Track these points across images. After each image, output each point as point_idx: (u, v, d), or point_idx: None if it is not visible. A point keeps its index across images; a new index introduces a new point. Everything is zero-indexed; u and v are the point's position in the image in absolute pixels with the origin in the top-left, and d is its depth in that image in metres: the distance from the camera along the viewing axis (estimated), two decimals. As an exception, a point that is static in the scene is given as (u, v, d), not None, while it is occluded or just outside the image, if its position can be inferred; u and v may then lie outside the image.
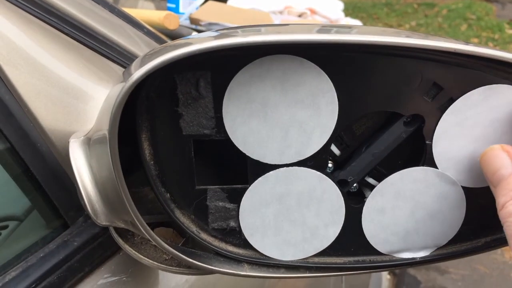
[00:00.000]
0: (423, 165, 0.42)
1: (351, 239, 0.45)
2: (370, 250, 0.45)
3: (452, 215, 0.44)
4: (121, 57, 0.64)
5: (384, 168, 0.44)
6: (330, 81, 0.38)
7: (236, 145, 0.40)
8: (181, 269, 0.45)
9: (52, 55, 0.54)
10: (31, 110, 0.49)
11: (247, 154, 0.40)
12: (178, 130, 0.40)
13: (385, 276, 1.99)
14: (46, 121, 0.50)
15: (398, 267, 0.46)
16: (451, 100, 0.39)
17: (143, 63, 0.34)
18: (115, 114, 0.35)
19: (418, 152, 0.42)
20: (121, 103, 0.34)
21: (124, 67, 0.62)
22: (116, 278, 0.53)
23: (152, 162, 0.41)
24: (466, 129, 0.40)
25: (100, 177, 0.43)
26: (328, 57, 0.38)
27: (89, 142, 0.45)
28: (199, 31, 2.21)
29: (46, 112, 0.50)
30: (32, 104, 0.49)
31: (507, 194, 0.36)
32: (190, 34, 1.92)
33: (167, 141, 0.40)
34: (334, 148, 0.43)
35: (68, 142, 0.46)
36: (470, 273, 2.56)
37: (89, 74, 0.56)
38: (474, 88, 0.39)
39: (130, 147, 0.43)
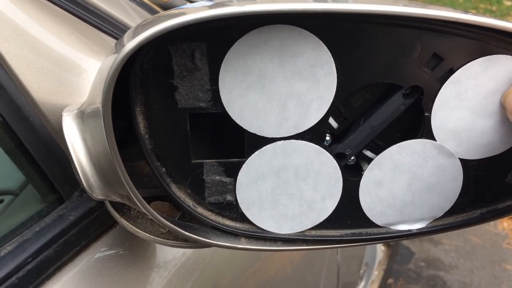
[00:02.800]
0: (421, 138, 0.41)
1: (348, 212, 0.45)
2: (367, 222, 0.45)
3: (448, 187, 0.44)
4: (114, 29, 0.63)
5: (382, 141, 0.43)
6: (328, 52, 0.37)
7: (233, 118, 0.39)
8: (178, 242, 0.45)
9: (43, 26, 0.52)
10: (22, 83, 0.48)
11: (244, 127, 0.40)
12: (173, 103, 0.39)
13: (380, 247, 2.01)
14: (38, 94, 0.49)
15: (394, 239, 0.46)
16: (451, 71, 0.39)
17: (136, 33, 0.33)
18: (108, 87, 0.34)
19: (416, 125, 0.42)
20: (114, 75, 0.33)
21: (117, 39, 0.61)
22: (113, 251, 0.53)
23: (147, 136, 0.40)
24: (465, 101, 0.40)
25: (94, 151, 0.42)
26: (327, 27, 0.37)
27: (83, 116, 0.44)
28: (192, 1, 2.17)
29: (38, 85, 0.49)
30: (23, 76, 0.48)
31: None
32: (183, 4, 1.88)
33: (162, 114, 0.40)
34: (332, 121, 0.43)
35: (61, 115, 0.45)
36: (463, 244, 2.60)
37: (81, 46, 0.54)
38: (474, 59, 0.38)
39: (124, 120, 0.42)
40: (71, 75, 0.51)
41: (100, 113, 0.36)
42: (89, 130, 0.43)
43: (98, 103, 0.36)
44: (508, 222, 2.73)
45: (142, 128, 0.40)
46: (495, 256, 2.50)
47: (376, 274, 2.07)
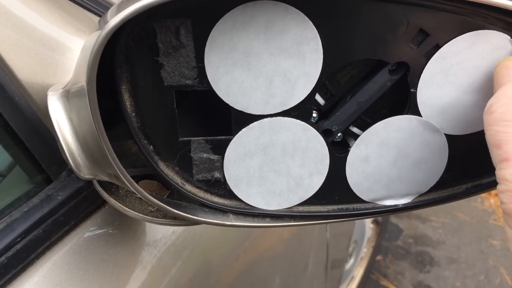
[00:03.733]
0: (407, 114, 0.42)
1: (335, 188, 0.45)
2: (354, 198, 0.46)
3: (434, 163, 0.44)
4: (99, 7, 0.61)
5: (369, 117, 0.43)
6: (314, 28, 0.37)
7: (219, 95, 0.39)
8: (167, 220, 0.46)
9: (26, 4, 0.51)
10: (6, 62, 0.48)
11: (230, 104, 0.40)
12: (159, 81, 0.39)
13: (369, 225, 2.04)
14: (22, 74, 0.48)
15: (381, 214, 0.47)
16: (437, 47, 0.39)
17: (119, 9, 0.32)
18: (92, 65, 0.33)
19: (402, 101, 0.42)
20: (98, 52, 0.33)
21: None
22: (102, 230, 0.53)
23: (133, 114, 0.40)
24: (451, 76, 0.40)
25: (81, 131, 0.42)
26: (313, 3, 0.37)
27: (68, 95, 0.43)
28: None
29: (22, 64, 0.49)
30: (7, 56, 0.48)
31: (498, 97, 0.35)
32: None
33: (148, 92, 0.40)
34: (318, 98, 0.43)
35: (46, 95, 0.44)
36: (450, 220, 2.65)
37: (65, 25, 0.53)
38: (460, 34, 0.38)
39: (110, 99, 0.42)
40: (55, 54, 0.50)
41: (85, 92, 0.36)
42: (75, 110, 0.42)
43: (83, 82, 0.36)
44: (495, 199, 2.77)
45: (129, 106, 0.40)
46: (482, 232, 2.55)
47: (365, 251, 2.10)
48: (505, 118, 0.33)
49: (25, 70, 0.48)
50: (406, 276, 2.32)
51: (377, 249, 2.17)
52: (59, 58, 0.50)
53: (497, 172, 0.33)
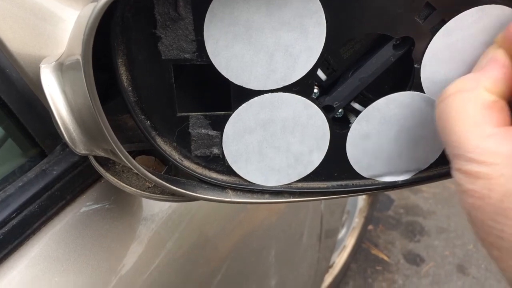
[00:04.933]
0: (410, 90, 0.41)
1: (335, 165, 0.45)
2: (353, 174, 0.46)
3: (435, 139, 0.44)
4: (91, -26, 0.59)
5: (371, 93, 0.43)
6: (318, 0, 0.36)
7: (219, 70, 0.38)
8: (164, 196, 0.45)
9: (14, -29, 0.49)
10: (-5, 33, 0.46)
11: (230, 79, 0.39)
12: (156, 54, 0.38)
13: (361, 196, 2.07)
14: (13, 45, 0.47)
15: (380, 190, 0.47)
16: (443, 22, 0.38)
17: (115, -21, 0.31)
18: (88, 37, 0.32)
19: (405, 77, 0.41)
20: (94, 24, 0.31)
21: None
22: (98, 205, 0.53)
23: (130, 88, 0.39)
24: (455, 52, 0.39)
25: (75, 105, 0.41)
26: None
27: (62, 68, 0.42)
28: None
29: (13, 35, 0.47)
30: (-4, 26, 0.46)
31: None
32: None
33: (145, 66, 0.38)
34: (320, 73, 0.42)
35: (39, 67, 0.43)
36: (441, 191, 2.68)
37: (57, -7, 0.51)
38: (467, 9, 0.37)
39: (106, 72, 0.40)
40: (47, 25, 0.48)
41: (80, 65, 0.34)
42: (69, 83, 0.41)
43: (77, 55, 0.35)
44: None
45: (125, 80, 0.38)
46: (472, 203, 2.59)
47: (357, 221, 2.13)
48: (441, 117, 0.33)
49: (16, 41, 0.47)
50: (397, 246, 2.36)
51: (368, 219, 2.20)
52: (51, 29, 0.48)
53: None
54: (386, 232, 2.44)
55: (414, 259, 2.28)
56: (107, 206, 0.53)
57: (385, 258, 2.29)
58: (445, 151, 0.33)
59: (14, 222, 0.45)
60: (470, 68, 0.40)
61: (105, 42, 0.37)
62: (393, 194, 2.65)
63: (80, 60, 0.34)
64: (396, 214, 2.56)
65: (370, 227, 2.42)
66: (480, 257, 2.27)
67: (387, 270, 2.23)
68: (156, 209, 0.59)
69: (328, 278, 1.90)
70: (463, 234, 2.40)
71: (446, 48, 0.39)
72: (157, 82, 0.39)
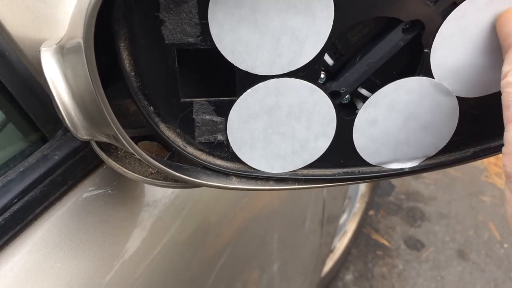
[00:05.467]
0: (419, 75, 0.40)
1: (341, 151, 0.44)
2: (360, 161, 0.45)
3: (444, 126, 0.43)
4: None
5: (378, 79, 0.42)
6: None
7: (223, 54, 0.37)
8: (168, 182, 0.45)
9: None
10: (-6, 15, 0.45)
11: (235, 64, 0.38)
12: (159, 39, 0.37)
13: (363, 181, 2.06)
14: (13, 28, 0.46)
15: (386, 177, 0.46)
16: (455, 5, 0.37)
17: (117, -41, 0.30)
18: (90, 20, 0.31)
19: (414, 62, 0.40)
20: (95, 7, 0.30)
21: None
22: (101, 191, 0.52)
23: (133, 73, 0.38)
24: (466, 37, 0.38)
25: (77, 89, 0.40)
26: None
27: (62, 51, 0.41)
28: None
29: (12, 17, 0.46)
30: (-5, 8, 0.45)
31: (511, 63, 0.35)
32: None
33: (148, 50, 0.37)
34: (327, 58, 0.41)
35: (40, 51, 0.42)
36: (442, 177, 2.68)
37: (56, -26, 0.50)
38: None
39: (108, 55, 0.39)
40: (47, 7, 0.47)
41: (81, 49, 0.33)
42: (70, 67, 0.40)
43: (79, 38, 0.34)
44: (492, 156, 2.80)
45: (128, 65, 0.38)
46: (473, 189, 2.59)
47: (358, 206, 2.13)
48: None
49: (16, 24, 0.45)
50: (397, 231, 2.37)
51: (369, 205, 2.20)
52: (50, 11, 0.47)
53: (504, 133, 0.33)
54: (387, 218, 2.45)
55: (415, 244, 2.29)
56: (109, 191, 0.53)
57: (386, 243, 2.30)
58: (504, 116, 0.34)
59: (15, 207, 0.44)
60: (481, 52, 0.39)
61: (107, 25, 0.36)
62: (394, 180, 2.65)
63: (82, 44, 0.33)
64: (397, 199, 2.56)
65: (371, 212, 2.43)
66: (480, 243, 2.28)
67: (388, 255, 2.24)
68: (158, 195, 0.58)
69: (329, 263, 1.91)
70: (463, 220, 2.41)
71: (457, 32, 0.38)
72: (161, 67, 0.38)
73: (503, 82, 0.34)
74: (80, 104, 0.41)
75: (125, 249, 0.54)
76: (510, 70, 0.34)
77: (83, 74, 0.35)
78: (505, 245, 2.27)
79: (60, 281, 0.46)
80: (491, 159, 2.74)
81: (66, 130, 0.52)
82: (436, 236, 2.33)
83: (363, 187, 2.10)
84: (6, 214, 0.44)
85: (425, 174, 2.68)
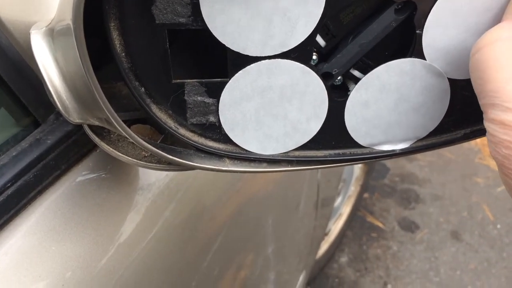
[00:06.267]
0: (411, 57, 0.40)
1: (333, 133, 0.44)
2: (351, 143, 0.45)
3: (435, 108, 0.43)
4: None
5: (371, 60, 0.42)
6: None
7: (215, 35, 0.37)
8: (161, 165, 0.45)
9: None
10: (-18, -2, 0.44)
11: (226, 45, 0.38)
12: (150, 19, 0.36)
13: (357, 164, 2.07)
14: (2, 11, 0.45)
15: (378, 159, 0.47)
16: None
17: None
18: (78, 1, 0.31)
19: (406, 43, 0.40)
20: (84, -13, 0.30)
21: None
22: (95, 175, 0.52)
23: (123, 54, 0.38)
24: (459, 17, 0.38)
25: (68, 72, 0.40)
26: None
27: (52, 34, 0.41)
28: None
29: (2, 0, 0.45)
30: (-17, -10, 0.44)
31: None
32: None
33: (139, 30, 0.37)
34: (319, 39, 0.41)
35: (29, 34, 0.41)
36: (437, 159, 2.70)
37: (45, -45, 0.49)
38: None
39: (98, 38, 0.39)
40: (36, -12, 0.47)
41: (71, 31, 0.33)
42: (60, 49, 0.40)
43: (68, 20, 0.34)
44: (481, 138, 2.81)
45: (118, 45, 0.37)
46: (467, 171, 2.62)
47: (353, 189, 2.15)
48: (479, 68, 0.32)
49: (5, 7, 0.45)
50: (392, 213, 2.39)
51: (364, 188, 2.22)
52: (40, -7, 0.46)
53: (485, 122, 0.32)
54: (382, 200, 2.47)
55: (409, 226, 2.32)
56: (103, 175, 0.53)
57: (380, 225, 2.32)
58: (479, 101, 0.32)
59: (9, 191, 0.44)
60: (474, 33, 0.39)
61: (97, 6, 0.35)
62: (388, 162, 2.67)
63: (71, 26, 0.33)
64: (392, 182, 2.58)
65: (365, 195, 2.45)
66: (474, 224, 2.31)
67: (382, 237, 2.27)
68: (152, 178, 0.59)
69: (324, 245, 1.93)
70: (457, 202, 2.43)
71: (449, 13, 0.38)
72: (151, 47, 0.38)
73: (472, 55, 0.32)
74: (71, 87, 0.41)
75: (120, 233, 0.54)
76: (476, 45, 0.32)
77: (73, 56, 0.35)
78: (498, 226, 2.30)
79: (55, 264, 0.46)
80: (485, 141, 2.75)
81: (59, 114, 0.51)
82: (430, 217, 2.36)
83: (357, 170, 2.11)
84: (0, 199, 0.44)
85: (419, 157, 2.70)
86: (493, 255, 2.16)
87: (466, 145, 2.75)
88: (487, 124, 0.31)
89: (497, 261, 2.13)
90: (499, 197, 2.44)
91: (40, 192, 0.48)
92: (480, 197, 2.45)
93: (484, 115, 0.32)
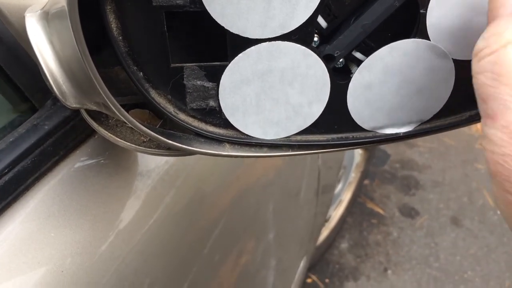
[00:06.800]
0: (414, 37, 0.39)
1: (335, 117, 0.44)
2: (354, 127, 0.44)
3: (439, 90, 0.42)
4: None
5: (373, 42, 0.41)
6: None
7: (214, 17, 0.36)
8: (160, 150, 0.44)
9: None
10: (-25, -20, 0.43)
11: (225, 27, 0.37)
12: (147, 0, 0.35)
13: (358, 151, 2.07)
14: (-4, -7, 0.44)
15: (381, 143, 0.46)
16: None
17: None
18: (73, -19, 0.30)
19: (410, 24, 0.39)
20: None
21: None
22: (93, 161, 0.52)
23: (120, 38, 0.37)
24: None
25: (64, 56, 0.39)
26: None
27: (47, 17, 0.40)
28: None
29: (-5, -18, 0.44)
30: (-24, -28, 0.43)
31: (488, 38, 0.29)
32: None
33: (136, 13, 0.36)
34: (320, 20, 0.40)
35: (24, 17, 0.41)
36: (437, 145, 2.69)
37: None
38: None
39: (94, 20, 0.38)
40: (30, -30, 0.45)
41: (66, 13, 0.32)
42: (56, 33, 0.39)
43: (63, 2, 0.33)
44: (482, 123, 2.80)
45: (115, 28, 0.36)
46: (468, 156, 2.61)
47: (353, 176, 2.15)
48: (494, 70, 0.28)
49: (-2, -11, 0.44)
50: (392, 199, 2.39)
51: (364, 174, 2.22)
52: (35, -25, 0.45)
53: (482, 126, 0.29)
54: (382, 187, 2.47)
55: (409, 212, 2.32)
56: (102, 161, 0.52)
57: (381, 211, 2.32)
58: (484, 105, 0.29)
59: (6, 178, 0.44)
60: (479, 13, 0.38)
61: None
62: (389, 149, 2.66)
63: (66, 8, 0.32)
64: (392, 168, 2.58)
65: (366, 181, 2.44)
66: (474, 210, 2.31)
67: (382, 223, 2.27)
68: (152, 164, 0.58)
69: (325, 232, 1.94)
70: (457, 188, 2.43)
71: None
72: (149, 30, 0.37)
73: (474, 64, 0.29)
74: (67, 71, 0.40)
75: (119, 219, 0.54)
76: (483, 48, 0.29)
77: (69, 40, 0.34)
78: (498, 212, 2.30)
79: (54, 251, 0.46)
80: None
81: (56, 99, 0.51)
82: (430, 203, 2.36)
83: (358, 157, 2.11)
84: (-3, 185, 0.43)
85: (419, 143, 2.69)
86: (493, 240, 2.17)
87: (466, 130, 2.74)
88: (492, 132, 0.28)
89: (497, 246, 2.14)
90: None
91: (38, 178, 0.47)
92: (481, 183, 2.45)
93: (488, 121, 0.28)
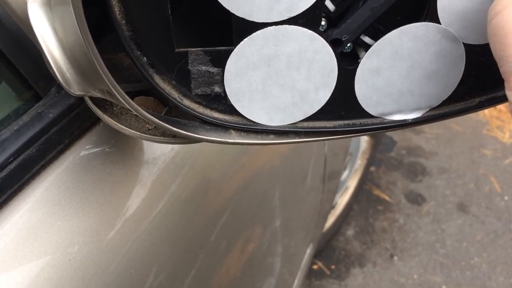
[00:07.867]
0: (424, 21, 0.38)
1: (342, 103, 0.43)
2: (361, 113, 0.44)
3: (449, 75, 0.41)
4: None
5: (382, 25, 0.40)
6: None
7: (219, 0, 0.35)
8: (166, 138, 0.44)
9: None
10: (-24, -34, 0.43)
11: (231, 11, 0.36)
12: None
13: (364, 138, 2.06)
14: (-3, -21, 0.44)
15: (389, 129, 0.45)
16: None
17: None
18: (74, -36, 0.29)
19: (420, 6, 0.38)
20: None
21: None
22: (99, 149, 0.51)
23: (123, 22, 0.36)
24: None
25: (67, 43, 0.39)
26: None
27: (50, 3, 0.39)
28: None
29: (-4, -32, 0.43)
30: (-23, -43, 0.42)
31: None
32: None
33: None
34: (328, 3, 0.39)
35: (26, 3, 0.40)
36: (444, 132, 2.67)
37: None
38: None
39: (98, 7, 0.37)
40: (31, -45, 0.45)
41: (68, -1, 0.31)
42: (58, 19, 0.38)
43: (65, -14, 0.32)
44: (489, 109, 2.78)
45: (118, 12, 0.36)
46: (475, 143, 2.59)
47: (359, 163, 2.14)
48: (498, 32, 0.29)
49: (-1, -26, 0.43)
50: (398, 186, 2.39)
51: (371, 161, 2.21)
52: (36, -40, 0.45)
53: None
54: (388, 173, 2.46)
55: (416, 199, 2.31)
56: (107, 149, 0.52)
57: (387, 198, 2.32)
58: (500, 69, 0.30)
59: (12, 166, 0.43)
60: (490, -5, 0.36)
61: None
62: (395, 135, 2.65)
63: (68, -8, 0.31)
64: (398, 155, 2.56)
65: (372, 168, 2.43)
66: (480, 196, 2.30)
67: (389, 210, 2.27)
68: (157, 152, 0.58)
69: (331, 218, 1.93)
70: (464, 174, 2.42)
71: None
72: (153, 14, 0.36)
73: (487, 28, 0.30)
74: (71, 58, 0.39)
75: (126, 207, 0.53)
76: (491, 9, 0.29)
77: (72, 26, 0.33)
78: (506, 198, 2.29)
79: (61, 239, 0.46)
80: (493, 113, 2.72)
81: (60, 87, 0.50)
82: (437, 190, 2.35)
83: (364, 144, 2.10)
84: (3, 173, 0.43)
85: (426, 129, 2.67)
86: (500, 226, 2.16)
87: (474, 116, 2.72)
88: (509, 93, 0.29)
89: (504, 233, 2.13)
90: (506, 169, 2.42)
91: (43, 167, 0.47)
92: (488, 169, 2.43)
93: (506, 84, 0.30)
